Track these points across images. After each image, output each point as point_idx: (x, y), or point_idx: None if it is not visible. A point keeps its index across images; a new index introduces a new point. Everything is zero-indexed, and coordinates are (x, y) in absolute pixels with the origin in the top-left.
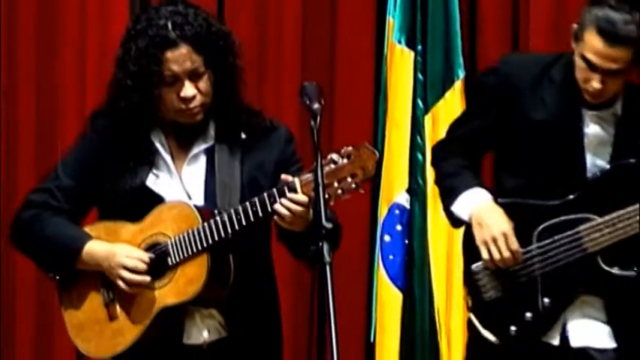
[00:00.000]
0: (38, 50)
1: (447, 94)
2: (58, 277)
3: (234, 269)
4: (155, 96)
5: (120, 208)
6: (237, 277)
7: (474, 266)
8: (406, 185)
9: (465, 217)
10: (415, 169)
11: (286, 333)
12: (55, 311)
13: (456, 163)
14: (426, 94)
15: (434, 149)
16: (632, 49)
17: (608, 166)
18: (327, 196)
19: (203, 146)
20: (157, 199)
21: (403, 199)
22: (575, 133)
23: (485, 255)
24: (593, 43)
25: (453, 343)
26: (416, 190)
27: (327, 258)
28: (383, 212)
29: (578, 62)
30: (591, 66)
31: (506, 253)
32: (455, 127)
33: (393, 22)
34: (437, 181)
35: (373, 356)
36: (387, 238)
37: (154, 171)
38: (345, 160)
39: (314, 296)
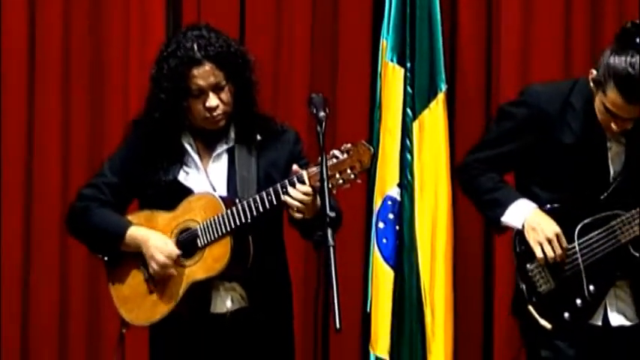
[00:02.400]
0: (91, 66)
1: (432, 104)
2: (106, 258)
3: (252, 249)
4: (184, 107)
5: (156, 199)
6: (255, 256)
7: (528, 265)
8: (397, 180)
9: (518, 225)
10: (405, 167)
11: (296, 303)
12: (103, 287)
13: (493, 178)
14: (414, 104)
15: (462, 169)
16: None
17: (626, 170)
18: (330, 185)
19: (225, 147)
20: (187, 192)
21: (395, 192)
22: (600, 151)
23: (539, 254)
24: (613, 99)
25: (437, 313)
26: (405, 185)
27: (331, 242)
28: (377, 203)
29: (599, 106)
30: (612, 114)
31: (559, 251)
32: (481, 149)
33: (386, 43)
34: (475, 195)
35: (369, 324)
36: (381, 224)
37: (184, 168)
38: (345, 155)
39: (320, 273)
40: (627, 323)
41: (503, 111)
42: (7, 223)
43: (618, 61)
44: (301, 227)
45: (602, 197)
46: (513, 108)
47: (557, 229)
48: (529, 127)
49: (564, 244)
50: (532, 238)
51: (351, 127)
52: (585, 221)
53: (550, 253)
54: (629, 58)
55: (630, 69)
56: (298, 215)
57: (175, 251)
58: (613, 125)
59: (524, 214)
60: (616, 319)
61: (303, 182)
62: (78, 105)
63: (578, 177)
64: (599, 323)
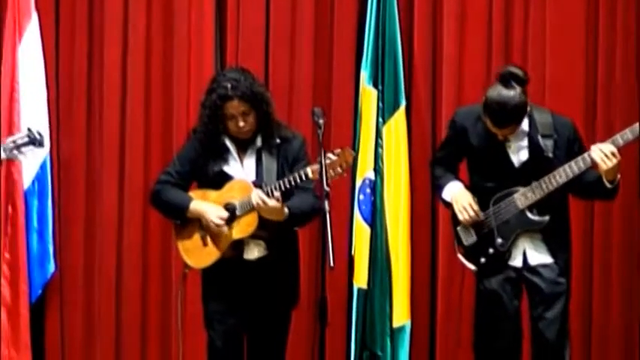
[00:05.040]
0: (164, 89)
1: (396, 115)
2: (178, 222)
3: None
4: (223, 124)
5: (209, 182)
6: (273, 223)
7: (457, 227)
8: (372, 166)
9: (449, 199)
10: (377, 158)
11: (302, 253)
12: (172, 243)
13: (441, 169)
14: (384, 114)
15: (430, 164)
16: (518, 123)
17: (530, 160)
18: (326, 177)
19: (254, 148)
20: (229, 178)
21: (371, 174)
22: (501, 149)
23: (461, 217)
24: (488, 123)
25: (399, 256)
26: (378, 170)
27: (327, 208)
28: (359, 182)
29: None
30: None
31: (471, 214)
32: (438, 152)
33: (364, 74)
34: (432, 181)
35: (353, 263)
36: (361, 196)
37: (227, 162)
38: (336, 157)
39: (318, 232)
40: (542, 262)
41: (447, 126)
42: (107, 198)
43: (490, 95)
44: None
45: (508, 178)
46: (449, 123)
47: (470, 200)
48: (456, 136)
49: (475, 210)
50: (455, 208)
51: (341, 130)
52: (497, 195)
53: (465, 217)
54: (498, 94)
55: (496, 105)
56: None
57: (225, 214)
58: (500, 137)
59: (453, 192)
60: (534, 259)
61: (307, 176)
62: (156, 117)
63: (489, 166)
64: (520, 264)
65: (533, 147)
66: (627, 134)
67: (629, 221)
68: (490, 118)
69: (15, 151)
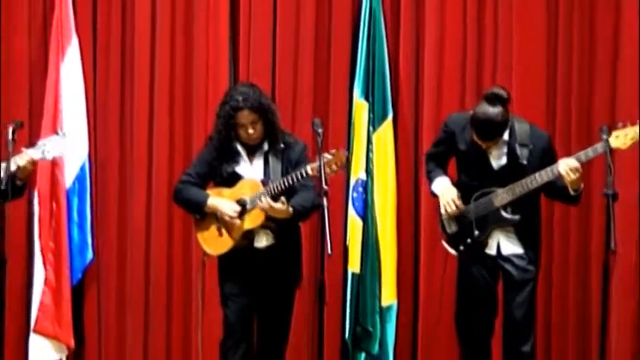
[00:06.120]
0: (185, 101)
1: (384, 124)
2: (198, 216)
3: None
4: (234, 132)
5: (223, 182)
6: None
7: (443, 217)
8: (364, 168)
9: (438, 192)
10: (368, 160)
11: (304, 243)
12: (191, 236)
13: (432, 164)
14: (374, 124)
15: (425, 157)
16: (500, 137)
17: (508, 165)
18: (324, 174)
19: (262, 152)
20: (240, 177)
21: (363, 174)
22: (484, 154)
23: (443, 210)
24: (474, 136)
25: (388, 246)
26: (369, 171)
27: (325, 204)
28: (352, 181)
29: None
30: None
31: (453, 208)
32: (431, 148)
33: (357, 89)
34: (426, 172)
35: (347, 251)
36: (354, 194)
37: (239, 164)
38: (331, 157)
39: (318, 225)
40: (514, 252)
41: (440, 127)
42: (137, 195)
43: (477, 112)
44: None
45: (488, 180)
46: (442, 126)
47: (453, 196)
48: (446, 138)
49: (457, 205)
50: (441, 201)
51: (337, 138)
52: (477, 193)
53: (448, 210)
54: (484, 113)
55: (482, 121)
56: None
57: (238, 208)
58: (484, 146)
59: (441, 187)
60: (506, 250)
61: (307, 173)
62: (178, 126)
63: (473, 168)
64: (494, 253)
65: (511, 154)
66: (589, 153)
67: (585, 222)
68: (476, 131)
69: (46, 152)
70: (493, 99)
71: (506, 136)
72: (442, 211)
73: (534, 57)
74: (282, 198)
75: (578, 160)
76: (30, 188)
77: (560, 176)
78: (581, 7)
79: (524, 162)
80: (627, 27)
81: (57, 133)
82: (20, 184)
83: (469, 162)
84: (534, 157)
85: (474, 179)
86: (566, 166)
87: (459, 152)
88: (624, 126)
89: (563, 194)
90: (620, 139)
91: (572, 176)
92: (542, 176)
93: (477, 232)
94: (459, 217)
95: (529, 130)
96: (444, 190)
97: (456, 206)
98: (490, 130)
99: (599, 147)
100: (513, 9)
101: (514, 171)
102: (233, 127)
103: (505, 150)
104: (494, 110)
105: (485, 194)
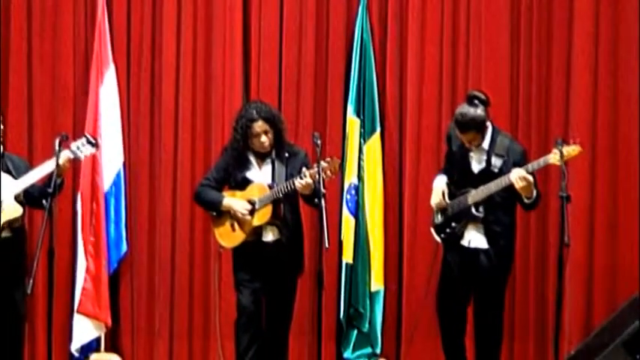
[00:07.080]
0: (205, 116)
1: (373, 137)
2: (214, 214)
3: (283, 210)
4: (249, 141)
5: (236, 185)
6: (284, 214)
7: (434, 209)
8: (356, 173)
9: (433, 187)
10: (360, 167)
11: (305, 235)
12: (209, 231)
13: (441, 172)
14: (364, 137)
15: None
16: (476, 131)
17: (486, 168)
18: (321, 179)
19: (270, 159)
20: (250, 181)
21: (355, 179)
22: (466, 157)
23: (432, 200)
24: (457, 132)
25: (376, 240)
26: (360, 177)
27: (323, 204)
28: (346, 185)
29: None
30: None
31: (437, 199)
32: (445, 159)
33: (350, 107)
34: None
35: (342, 244)
36: (348, 196)
37: (249, 170)
38: (327, 164)
39: (316, 222)
40: (480, 246)
41: (444, 141)
42: (164, 197)
43: (457, 110)
44: (307, 199)
45: (467, 180)
46: (445, 138)
47: (440, 189)
48: (447, 147)
49: (441, 197)
50: (432, 195)
51: (333, 149)
52: (459, 191)
53: (435, 201)
54: (462, 108)
55: (460, 116)
56: (304, 192)
57: (249, 207)
58: (466, 144)
59: (436, 182)
60: (474, 243)
61: (305, 177)
62: (199, 137)
63: (458, 170)
64: (467, 244)
65: (487, 161)
66: (539, 163)
67: (542, 220)
68: (456, 125)
69: (78, 152)
70: (472, 99)
71: (486, 145)
72: (431, 202)
73: (499, 81)
74: (307, 179)
75: (527, 170)
76: (74, 191)
77: (511, 183)
78: (539, 38)
79: (496, 170)
80: (579, 55)
81: (86, 137)
82: (59, 181)
83: (456, 164)
84: (508, 168)
85: (459, 179)
86: (516, 175)
87: (452, 155)
88: (574, 142)
89: (521, 201)
90: (557, 155)
91: (521, 183)
92: (498, 183)
93: (453, 224)
94: (443, 210)
95: (508, 143)
96: (436, 185)
97: (442, 197)
98: (466, 122)
99: (541, 161)
100: (482, 42)
101: (489, 176)
102: (249, 136)
103: (484, 157)
104: (471, 107)
105: (463, 193)
